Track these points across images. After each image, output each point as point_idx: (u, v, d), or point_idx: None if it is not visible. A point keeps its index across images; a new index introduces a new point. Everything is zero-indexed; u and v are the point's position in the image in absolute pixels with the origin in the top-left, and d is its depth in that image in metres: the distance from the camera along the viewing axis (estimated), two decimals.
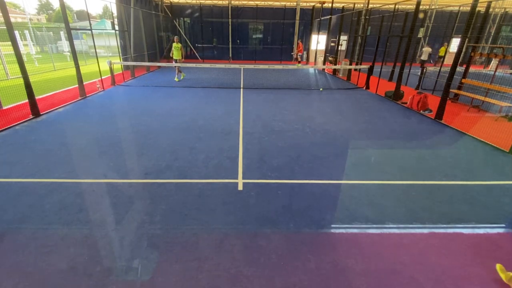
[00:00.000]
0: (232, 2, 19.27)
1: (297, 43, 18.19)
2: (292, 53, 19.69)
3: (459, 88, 8.32)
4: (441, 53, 15.61)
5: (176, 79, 11.29)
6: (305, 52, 21.03)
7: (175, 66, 11.03)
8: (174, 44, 10.55)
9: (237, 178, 3.74)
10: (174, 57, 10.71)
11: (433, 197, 3.39)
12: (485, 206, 3.25)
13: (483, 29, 7.96)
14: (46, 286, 2.11)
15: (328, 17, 14.78)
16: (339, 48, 14.30)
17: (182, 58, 10.93)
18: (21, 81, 5.76)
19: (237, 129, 5.68)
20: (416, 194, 3.46)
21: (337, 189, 3.58)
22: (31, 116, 6.05)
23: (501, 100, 7.23)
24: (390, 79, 12.05)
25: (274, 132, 5.59)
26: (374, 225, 2.86)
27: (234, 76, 12.90)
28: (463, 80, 8.12)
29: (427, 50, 13.44)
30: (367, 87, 10.51)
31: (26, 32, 20.08)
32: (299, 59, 17.64)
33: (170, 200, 3.23)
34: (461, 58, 6.83)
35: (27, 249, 2.44)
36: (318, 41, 18.15)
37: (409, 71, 10.47)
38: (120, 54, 11.76)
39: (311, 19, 19.97)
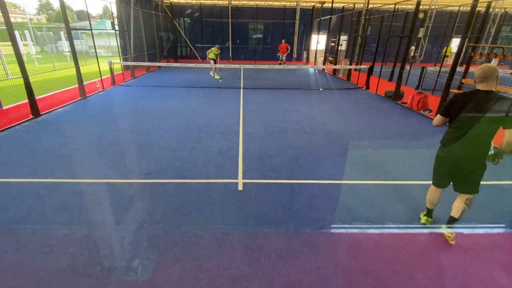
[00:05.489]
0: (232, 2, 19.26)
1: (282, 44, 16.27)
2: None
3: (459, 88, 8.30)
4: (446, 53, 15.59)
5: (216, 76, 12.68)
6: (304, 52, 21.04)
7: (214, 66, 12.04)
8: (214, 49, 11.92)
9: (237, 178, 3.74)
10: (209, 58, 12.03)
11: None
12: (485, 206, 3.24)
13: (483, 29, 7.96)
14: (46, 286, 2.11)
15: (328, 17, 14.78)
16: (339, 48, 14.30)
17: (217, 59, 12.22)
18: (21, 81, 5.76)
19: (237, 129, 5.68)
20: (416, 194, 3.46)
21: (337, 189, 3.58)
22: (31, 116, 6.05)
23: None
24: (390, 79, 12.05)
25: (274, 132, 5.59)
26: (374, 225, 2.86)
27: (234, 76, 12.90)
28: (463, 80, 8.10)
29: (411, 49, 13.75)
30: (367, 87, 10.51)
31: (26, 32, 20.08)
32: (283, 60, 16.39)
33: (170, 200, 3.23)
34: (461, 58, 6.83)
35: (27, 249, 2.44)
36: (318, 41, 18.14)
37: (409, 71, 10.47)
38: (120, 54, 11.76)
39: (311, 19, 19.96)
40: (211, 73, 12.82)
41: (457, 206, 2.57)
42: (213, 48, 11.99)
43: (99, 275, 2.20)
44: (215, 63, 12.08)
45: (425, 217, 2.86)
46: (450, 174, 2.50)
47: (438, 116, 2.41)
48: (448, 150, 2.36)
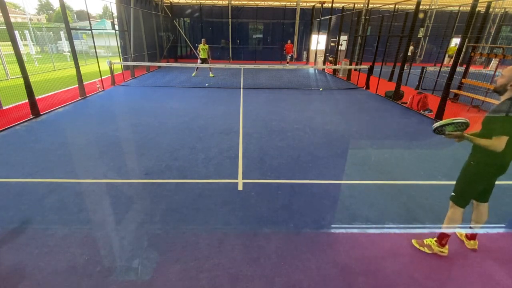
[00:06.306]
0: (232, 2, 19.26)
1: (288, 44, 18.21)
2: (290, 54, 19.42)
3: (459, 88, 8.32)
4: (450, 52, 15.58)
5: (193, 73, 12.72)
6: (304, 52, 21.04)
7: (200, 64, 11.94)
8: (201, 45, 11.72)
9: (237, 178, 3.74)
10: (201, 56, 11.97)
11: (433, 197, 3.39)
12: None
13: (483, 29, 7.96)
14: (46, 286, 2.11)
15: (328, 17, 14.78)
16: (339, 48, 14.30)
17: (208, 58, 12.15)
18: (21, 81, 5.76)
19: (237, 129, 5.68)
20: (416, 194, 3.46)
21: (337, 189, 3.58)
22: (31, 116, 6.05)
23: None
24: (390, 79, 12.05)
25: (274, 132, 5.59)
26: (374, 225, 2.86)
27: (234, 76, 12.91)
28: (463, 80, 8.12)
29: (410, 48, 13.82)
30: (367, 87, 10.51)
31: (26, 32, 20.09)
32: (288, 60, 18.31)
33: (170, 200, 3.23)
34: (461, 58, 6.83)
35: (27, 249, 2.44)
36: (318, 41, 18.14)
37: (409, 71, 10.47)
38: (120, 54, 11.77)
39: (311, 19, 19.96)
40: (210, 74, 12.75)
41: (485, 216, 2.51)
42: (200, 45, 11.77)
43: (99, 275, 2.20)
44: (207, 62, 11.92)
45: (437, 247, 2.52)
46: (487, 188, 2.39)
47: (503, 138, 2.00)
48: (493, 165, 2.20)
